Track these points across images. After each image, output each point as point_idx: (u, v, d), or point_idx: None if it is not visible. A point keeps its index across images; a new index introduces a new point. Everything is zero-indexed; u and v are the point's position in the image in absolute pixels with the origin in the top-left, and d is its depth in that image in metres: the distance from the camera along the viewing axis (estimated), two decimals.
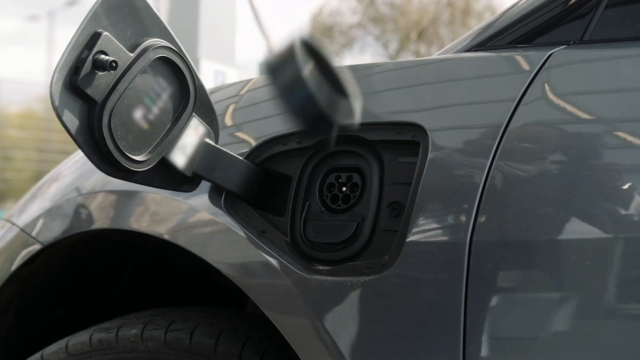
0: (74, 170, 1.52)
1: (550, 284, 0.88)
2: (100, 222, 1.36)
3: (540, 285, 0.88)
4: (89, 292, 1.61)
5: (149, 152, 1.02)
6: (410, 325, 0.95)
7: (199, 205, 1.17)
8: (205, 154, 1.10)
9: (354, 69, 1.18)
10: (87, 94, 0.94)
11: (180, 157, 1.07)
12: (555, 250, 0.88)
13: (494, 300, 0.90)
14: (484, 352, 0.90)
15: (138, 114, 1.01)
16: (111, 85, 0.96)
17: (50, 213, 1.42)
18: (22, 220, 1.48)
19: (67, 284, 1.54)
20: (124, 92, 0.97)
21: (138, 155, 1.00)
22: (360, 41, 23.54)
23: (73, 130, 0.94)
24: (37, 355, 1.28)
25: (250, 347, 1.18)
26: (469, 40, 1.16)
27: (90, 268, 1.54)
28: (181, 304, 1.69)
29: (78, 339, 1.24)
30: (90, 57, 0.93)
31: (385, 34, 23.45)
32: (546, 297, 0.88)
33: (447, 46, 1.22)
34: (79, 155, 1.57)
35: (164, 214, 1.24)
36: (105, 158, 0.98)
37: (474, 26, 1.34)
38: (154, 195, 1.26)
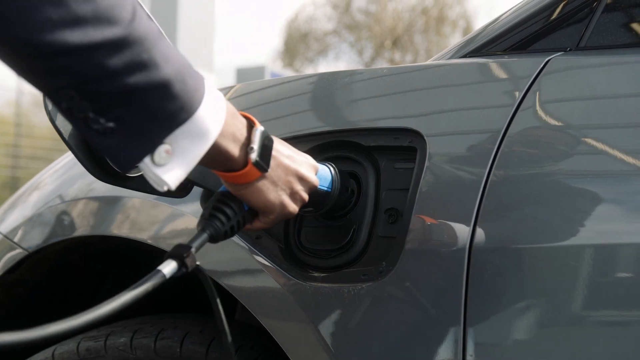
0: (56, 178, 1.50)
1: (551, 290, 0.87)
2: (84, 228, 1.34)
3: (541, 292, 0.88)
4: (73, 300, 1.58)
5: None
6: (409, 332, 0.94)
7: (189, 211, 1.16)
8: None
9: (349, 74, 1.17)
10: None
11: None
12: (556, 257, 0.87)
13: (494, 308, 0.89)
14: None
15: None
16: None
17: (33, 220, 1.40)
18: (4, 227, 1.45)
19: (51, 292, 1.51)
20: None
21: None
22: (335, 48, 23.60)
23: (66, 135, 0.92)
24: None
25: (242, 356, 1.17)
26: (464, 46, 1.16)
27: (75, 276, 1.51)
28: (166, 311, 1.66)
29: (65, 348, 1.22)
30: None
31: (360, 41, 23.54)
32: (547, 304, 0.87)
33: (441, 52, 1.22)
34: (60, 163, 1.55)
35: (153, 220, 1.22)
36: (98, 164, 0.96)
37: (449, 34, 1.33)
38: (141, 202, 1.24)
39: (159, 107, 0.69)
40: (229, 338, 0.86)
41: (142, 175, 1.01)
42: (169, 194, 1.08)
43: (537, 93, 0.95)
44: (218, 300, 0.84)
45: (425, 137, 0.99)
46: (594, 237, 0.87)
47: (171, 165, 0.74)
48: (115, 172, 0.97)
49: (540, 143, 0.93)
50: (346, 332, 0.98)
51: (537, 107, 0.95)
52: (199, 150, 0.75)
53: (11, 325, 1.49)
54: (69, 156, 1.56)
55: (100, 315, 0.69)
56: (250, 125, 0.84)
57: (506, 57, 1.08)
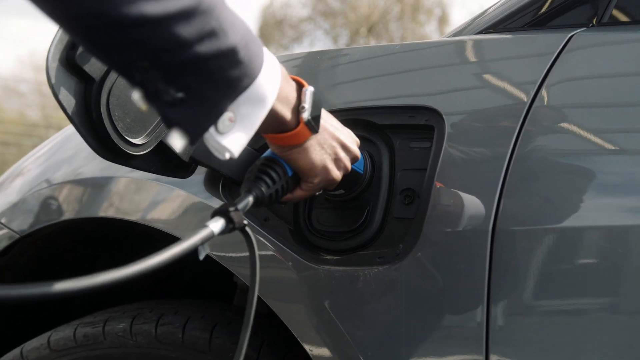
0: (40, 163, 1.45)
1: (580, 272, 0.84)
2: (73, 211, 1.29)
3: (569, 274, 0.85)
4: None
5: (147, 135, 0.95)
6: (428, 317, 0.91)
7: (193, 191, 1.11)
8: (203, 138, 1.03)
9: (360, 51, 1.13)
10: (84, 71, 0.87)
11: (177, 141, 1.01)
12: (584, 237, 0.85)
13: (519, 291, 0.86)
14: (508, 346, 0.86)
15: (136, 94, 0.94)
16: None
17: (22, 204, 1.35)
18: None
19: (41, 276, 1.45)
20: None
21: (135, 138, 0.94)
22: (310, 35, 23.47)
23: (70, 111, 0.87)
24: (16, 351, 1.20)
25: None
26: (480, 22, 1.12)
27: (64, 260, 1.46)
28: (159, 297, 1.62)
29: (61, 334, 1.17)
30: None
31: (335, 28, 23.43)
32: (576, 286, 0.85)
33: (454, 28, 1.18)
34: (43, 149, 1.50)
35: (153, 201, 1.17)
36: (101, 141, 0.92)
37: (424, 22, 1.29)
38: (127, 182, 1.20)
39: (225, 75, 0.70)
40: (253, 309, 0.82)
41: (145, 154, 0.96)
42: (171, 173, 1.04)
43: (561, 69, 0.92)
44: (258, 268, 0.81)
45: (443, 115, 0.96)
46: (622, 217, 0.85)
47: (234, 133, 0.75)
48: (118, 150, 0.92)
49: (566, 121, 0.90)
50: (362, 317, 0.95)
51: (562, 84, 0.92)
52: (259, 115, 0.76)
53: (1, 309, 1.44)
54: (50, 143, 1.51)
55: (150, 267, 0.67)
56: (300, 87, 0.85)
57: (526, 33, 1.05)
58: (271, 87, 0.77)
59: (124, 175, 1.24)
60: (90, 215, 1.26)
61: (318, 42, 23.79)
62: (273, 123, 0.82)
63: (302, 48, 23.49)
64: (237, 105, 0.74)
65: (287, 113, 0.83)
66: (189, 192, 1.12)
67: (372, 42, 22.29)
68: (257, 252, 0.80)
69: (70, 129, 1.53)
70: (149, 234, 1.51)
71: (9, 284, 1.39)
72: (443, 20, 21.91)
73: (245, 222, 0.79)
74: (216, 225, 0.76)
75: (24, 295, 0.59)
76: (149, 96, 0.70)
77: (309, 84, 0.87)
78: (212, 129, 0.74)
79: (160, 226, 1.15)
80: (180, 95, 0.69)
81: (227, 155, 0.76)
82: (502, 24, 1.07)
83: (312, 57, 1.20)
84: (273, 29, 23.01)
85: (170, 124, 0.72)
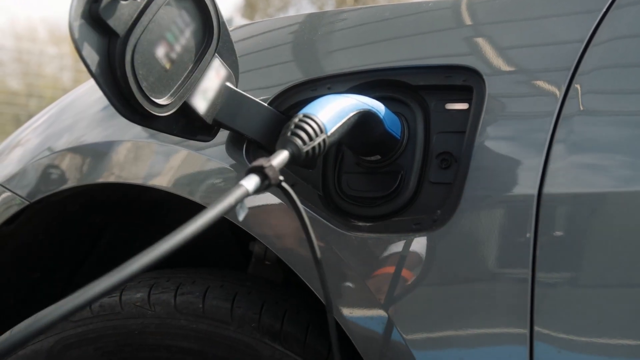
0: (40, 133, 1.40)
1: (631, 240, 0.81)
2: (81, 178, 1.24)
3: (621, 241, 0.81)
4: (67, 255, 1.48)
5: (171, 95, 0.91)
6: (468, 290, 0.87)
7: (214, 156, 1.07)
8: (228, 100, 0.99)
9: (391, 9, 1.08)
10: (108, 25, 0.82)
11: (202, 102, 0.96)
12: (635, 203, 0.81)
13: (567, 260, 0.83)
14: (554, 317, 0.83)
15: (160, 51, 0.89)
16: (134, 17, 0.84)
17: (29, 171, 1.30)
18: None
19: (47, 246, 1.40)
20: (147, 25, 0.85)
21: (159, 98, 0.89)
22: (295, 4, 23.19)
23: (94, 68, 0.82)
24: (30, 320, 1.15)
25: (268, 311, 1.09)
26: None
27: (73, 229, 1.41)
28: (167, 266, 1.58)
29: None
30: None
31: None
32: (625, 254, 0.81)
33: None
34: (40, 119, 1.45)
35: (172, 166, 1.12)
36: (125, 101, 0.87)
37: None
38: (156, 146, 1.15)
39: None
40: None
41: (168, 115, 0.92)
42: (194, 136, 0.99)
43: (610, 27, 0.88)
44: (307, 220, 0.77)
45: (483, 76, 0.91)
46: None
47: None
48: (142, 111, 0.88)
49: (615, 81, 0.86)
50: (397, 287, 0.91)
51: (610, 43, 0.87)
52: None
53: (4, 279, 1.39)
54: (46, 113, 1.46)
55: (186, 237, 0.62)
56: None
57: None
58: None
59: (130, 140, 1.19)
60: (95, 181, 1.21)
61: (304, 11, 23.54)
62: None
63: None
64: None
65: None
66: (190, 151, 1.08)
67: None
68: (300, 205, 0.76)
69: (65, 99, 1.48)
70: (159, 201, 1.47)
71: (13, 252, 1.34)
72: None
73: (281, 177, 0.74)
74: (250, 183, 0.70)
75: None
76: None
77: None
78: None
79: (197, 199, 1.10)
80: None
81: None
82: None
83: (335, 16, 1.15)
84: None
85: None
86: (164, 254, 0.60)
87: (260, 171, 0.72)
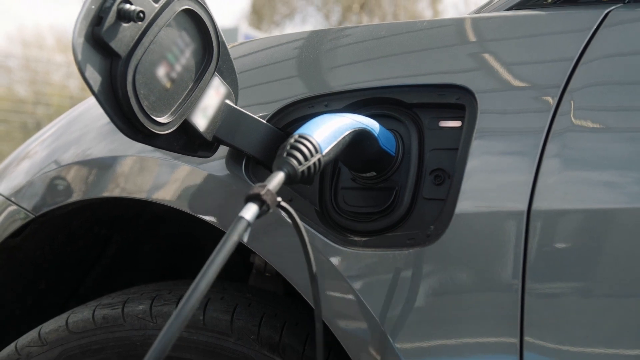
0: (47, 145, 1.42)
1: (617, 254, 0.83)
2: (86, 192, 1.26)
3: (610, 256, 0.83)
4: (74, 266, 1.51)
5: (172, 114, 0.93)
6: (460, 301, 0.89)
7: (215, 171, 1.09)
8: (227, 117, 1.01)
9: (387, 27, 1.11)
10: (110, 47, 0.84)
11: (202, 120, 0.99)
12: (624, 219, 0.83)
13: (556, 274, 0.85)
14: (544, 329, 0.85)
15: (161, 71, 0.92)
16: (136, 39, 0.87)
17: (35, 184, 1.32)
18: (5, 189, 1.37)
19: (53, 258, 1.43)
20: (148, 46, 0.88)
21: (160, 117, 0.92)
22: (302, 11, 23.25)
23: (96, 88, 0.85)
24: (34, 332, 1.18)
25: (267, 323, 1.11)
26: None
27: (78, 240, 1.44)
28: (169, 278, 1.60)
29: (79, 316, 1.15)
30: (114, 7, 0.84)
31: (327, 5, 23.21)
32: (613, 268, 0.83)
33: (481, 5, 1.16)
34: (48, 132, 1.47)
35: (175, 180, 1.15)
36: (126, 119, 0.89)
37: None
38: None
39: None
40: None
41: (169, 133, 0.94)
42: (195, 153, 1.02)
43: (599, 46, 0.90)
44: (308, 245, 0.80)
45: (475, 94, 0.94)
46: None
47: None
48: (143, 129, 0.90)
49: (604, 99, 0.88)
50: (391, 301, 0.93)
51: (600, 61, 0.90)
52: None
53: (10, 290, 1.42)
54: (54, 126, 1.48)
55: (205, 287, 0.69)
56: None
57: (559, 9, 1.03)
58: None
59: (134, 154, 1.21)
60: (101, 195, 1.23)
61: (310, 18, 23.60)
62: None
63: (294, 24, 23.30)
64: None
65: None
66: (193, 166, 1.10)
67: (365, 19, 22.16)
68: (300, 222, 0.79)
69: (73, 111, 1.50)
70: (159, 215, 1.49)
71: (20, 264, 1.37)
72: None
73: (279, 199, 0.77)
74: (249, 212, 0.74)
75: None
76: None
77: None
78: None
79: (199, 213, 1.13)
80: None
81: None
82: (531, 0, 1.05)
83: (334, 34, 1.17)
84: (265, 5, 22.79)
85: None
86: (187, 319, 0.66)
87: (257, 199, 0.75)
